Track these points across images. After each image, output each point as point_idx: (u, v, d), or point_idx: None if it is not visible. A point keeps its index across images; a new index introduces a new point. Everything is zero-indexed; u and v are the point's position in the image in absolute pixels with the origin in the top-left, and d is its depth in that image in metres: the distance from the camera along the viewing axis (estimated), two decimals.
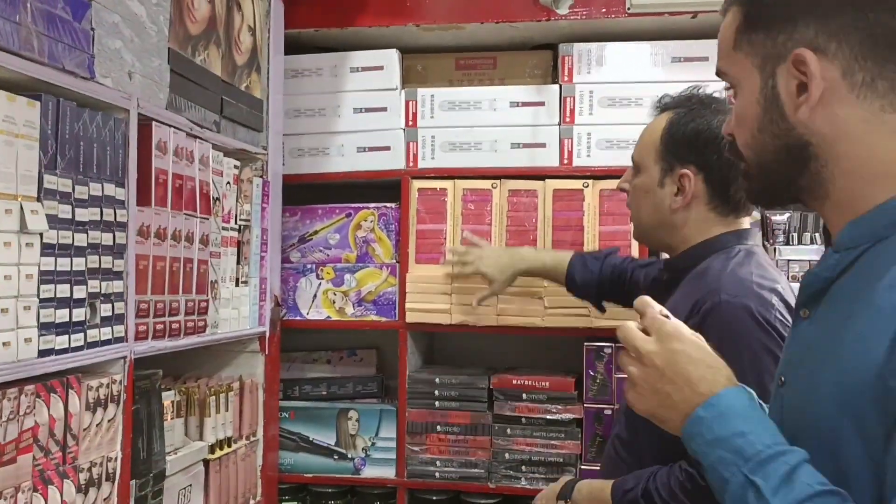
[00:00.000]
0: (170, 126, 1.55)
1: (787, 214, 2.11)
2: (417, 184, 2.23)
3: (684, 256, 1.53)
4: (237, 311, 1.88)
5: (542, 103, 2.20)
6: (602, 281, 1.89)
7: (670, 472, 1.35)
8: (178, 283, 1.59)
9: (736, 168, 1.37)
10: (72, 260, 1.26)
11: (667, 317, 0.92)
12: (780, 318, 1.33)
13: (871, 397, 0.75)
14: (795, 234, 2.09)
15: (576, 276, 1.90)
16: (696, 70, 2.13)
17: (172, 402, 1.68)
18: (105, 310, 1.35)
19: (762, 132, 0.88)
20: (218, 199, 1.78)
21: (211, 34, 1.73)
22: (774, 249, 2.05)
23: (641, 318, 0.92)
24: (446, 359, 2.53)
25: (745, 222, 1.52)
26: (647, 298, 0.93)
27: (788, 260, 2.07)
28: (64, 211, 1.24)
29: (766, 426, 0.83)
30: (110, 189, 1.36)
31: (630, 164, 1.63)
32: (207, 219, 1.71)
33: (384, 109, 2.25)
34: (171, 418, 1.67)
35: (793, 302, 1.30)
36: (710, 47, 2.12)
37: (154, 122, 1.50)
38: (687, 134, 1.49)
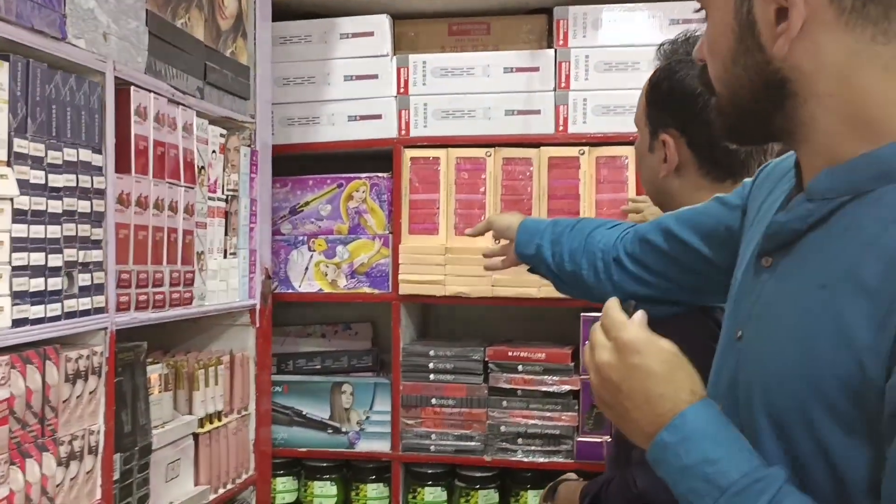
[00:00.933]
0: (149, 91, 1.51)
1: None
2: (410, 153, 2.18)
3: None
4: (226, 284, 1.85)
5: (536, 69, 2.14)
6: None
7: (622, 479, 1.26)
8: (162, 253, 1.55)
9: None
10: (46, 227, 1.22)
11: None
12: None
13: (846, 385, 0.68)
14: None
15: None
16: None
17: (160, 375, 1.65)
18: (84, 279, 1.31)
19: (735, 64, 0.78)
20: (203, 167, 1.74)
21: None
22: None
23: (601, 320, 0.83)
24: (441, 331, 2.50)
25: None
26: (613, 300, 0.84)
27: None
28: (36, 176, 1.20)
29: (738, 447, 0.74)
30: (86, 155, 1.31)
31: None
32: (192, 188, 1.67)
33: (375, 77, 2.20)
34: (159, 392, 1.64)
35: None
36: None
37: (132, 87, 1.45)
38: (664, 94, 1.34)
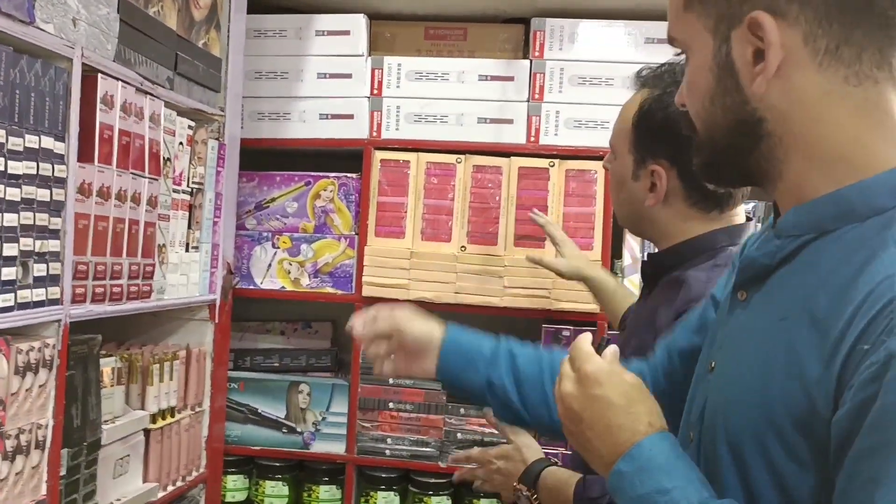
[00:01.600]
0: (118, 79, 1.47)
1: (752, 204, 2.09)
2: (380, 155, 2.17)
3: (669, 253, 1.36)
4: (186, 278, 1.82)
5: (511, 78, 2.14)
6: None
7: None
8: (122, 245, 1.52)
9: None
10: (3, 215, 1.19)
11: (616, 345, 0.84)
12: None
13: (796, 415, 0.70)
14: (760, 225, 2.06)
15: None
16: (669, 52, 2.07)
17: (113, 368, 1.61)
18: (39, 269, 1.28)
19: (713, 104, 0.80)
20: (169, 159, 1.70)
21: None
22: None
23: (569, 352, 0.85)
24: None
25: (739, 216, 1.36)
26: (586, 335, 0.86)
27: None
28: None
29: (690, 478, 0.76)
30: (48, 142, 1.28)
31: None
32: (157, 179, 1.64)
33: (349, 76, 2.18)
34: (111, 386, 1.60)
35: None
36: None
37: (100, 75, 1.42)
38: (658, 123, 1.30)
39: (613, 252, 2.13)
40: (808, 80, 0.74)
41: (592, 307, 2.07)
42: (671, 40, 0.86)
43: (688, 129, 0.87)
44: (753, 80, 0.76)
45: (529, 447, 1.45)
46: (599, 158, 2.09)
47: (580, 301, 2.07)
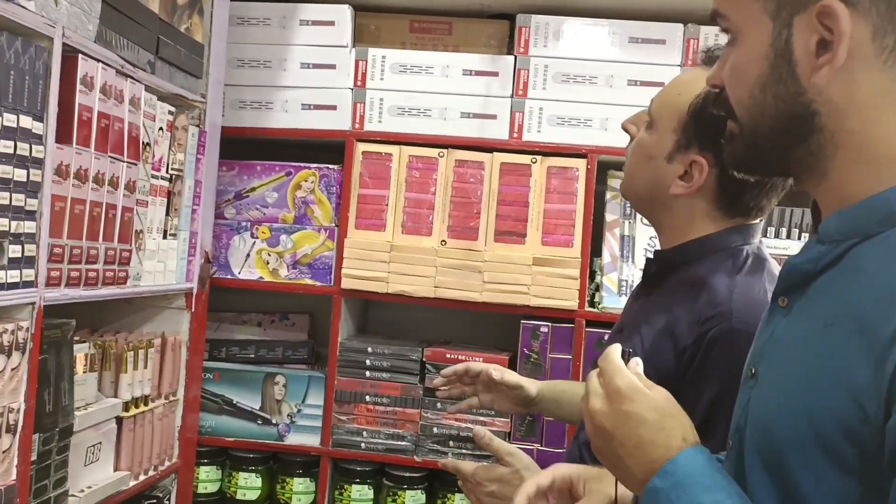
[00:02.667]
0: (98, 61, 1.45)
1: None
2: (362, 147, 2.16)
3: (679, 251, 1.29)
4: (163, 265, 1.80)
5: (495, 74, 2.14)
6: None
7: None
8: (99, 229, 1.50)
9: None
10: None
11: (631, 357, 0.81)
12: None
13: (844, 423, 0.67)
14: (772, 229, 2.07)
15: None
16: (652, 52, 2.11)
17: (86, 354, 1.59)
18: (14, 251, 1.26)
19: (764, 92, 0.75)
20: (149, 144, 1.68)
21: None
22: None
23: (599, 364, 0.82)
24: (381, 328, 2.48)
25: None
26: (615, 346, 0.83)
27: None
28: None
29: (729, 492, 0.74)
30: (27, 122, 1.26)
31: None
32: (135, 164, 1.62)
33: (333, 67, 2.17)
34: (84, 372, 1.58)
35: None
36: (668, 30, 2.11)
37: (80, 55, 1.39)
38: (716, 118, 1.27)
39: (593, 250, 2.13)
40: (870, 78, 0.72)
41: (571, 304, 2.08)
42: (715, 16, 0.80)
43: (717, 110, 0.84)
44: (814, 71, 0.72)
45: (528, 469, 1.34)
46: (582, 156, 2.11)
47: (559, 298, 2.08)
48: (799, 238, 2.07)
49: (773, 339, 0.80)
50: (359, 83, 2.17)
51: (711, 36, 2.09)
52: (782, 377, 0.75)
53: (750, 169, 0.86)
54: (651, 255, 1.36)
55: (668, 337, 1.20)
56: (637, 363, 0.83)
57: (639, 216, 2.12)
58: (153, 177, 1.72)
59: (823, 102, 0.73)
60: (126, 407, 1.70)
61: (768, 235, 2.07)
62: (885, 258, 0.70)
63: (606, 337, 1.42)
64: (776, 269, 1.23)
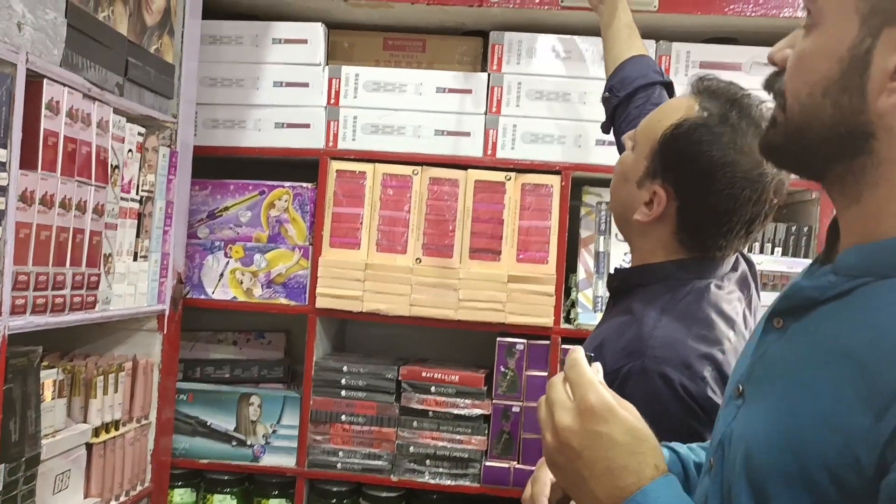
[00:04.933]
0: (64, 85, 1.44)
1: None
2: (336, 165, 2.15)
3: (633, 273, 1.32)
4: (133, 287, 1.78)
5: (469, 91, 2.14)
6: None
7: None
8: (66, 254, 1.48)
9: (719, 215, 1.18)
10: None
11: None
12: (711, 394, 1.12)
13: (831, 465, 0.65)
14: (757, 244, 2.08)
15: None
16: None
17: (55, 381, 1.57)
18: None
19: (825, 96, 0.70)
20: (118, 166, 1.67)
21: None
22: None
23: (566, 373, 0.77)
24: (357, 346, 2.47)
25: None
26: (578, 355, 0.77)
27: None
28: None
29: None
30: None
31: None
32: (104, 187, 1.60)
33: (306, 85, 2.16)
34: (53, 398, 1.56)
35: (731, 371, 1.09)
36: None
37: (45, 80, 1.38)
38: (683, 150, 1.20)
39: (568, 266, 2.14)
40: None
41: (546, 321, 2.07)
42: None
43: (766, 88, 0.78)
44: (884, 93, 0.67)
45: None
46: (556, 173, 2.11)
47: (534, 315, 2.08)
48: (772, 253, 2.08)
49: (766, 360, 0.77)
50: (332, 101, 2.16)
51: (683, 52, 2.11)
52: (772, 403, 0.73)
53: (781, 162, 0.82)
54: (612, 272, 1.38)
55: (599, 356, 1.20)
56: (598, 369, 0.79)
57: (614, 232, 2.13)
58: (122, 199, 1.70)
59: (883, 128, 0.68)
60: (96, 432, 1.68)
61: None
62: None
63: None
64: (718, 302, 1.21)
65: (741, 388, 0.79)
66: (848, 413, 0.65)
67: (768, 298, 2.11)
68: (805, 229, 2.08)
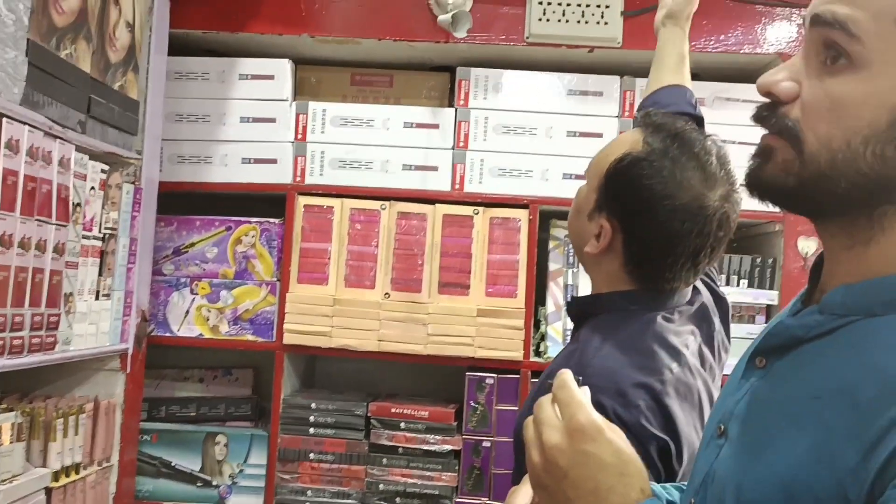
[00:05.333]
0: (24, 123, 1.42)
1: None
2: (304, 200, 2.14)
3: (587, 302, 1.33)
4: (95, 327, 1.75)
5: (436, 126, 2.15)
6: None
7: None
8: (25, 295, 1.45)
9: (661, 247, 1.21)
10: None
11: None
12: (644, 422, 1.12)
13: (821, 501, 0.64)
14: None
15: None
16: (590, 104, 2.14)
17: (13, 424, 1.53)
18: None
19: (866, 145, 0.66)
20: (79, 204, 1.64)
21: (80, 27, 1.60)
22: None
23: (555, 393, 0.76)
24: (326, 382, 2.44)
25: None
26: (567, 377, 0.77)
27: None
28: None
29: None
30: None
31: None
32: (65, 226, 1.58)
33: (273, 121, 2.16)
34: (11, 442, 1.52)
35: (670, 401, 1.14)
36: (605, 82, 2.15)
37: (5, 119, 1.36)
38: (625, 184, 1.21)
39: (537, 299, 2.14)
40: None
41: (516, 355, 2.07)
42: (838, 26, 0.67)
43: (756, 121, 0.74)
44: None
45: None
46: (524, 206, 2.12)
47: (504, 349, 2.07)
48: (737, 284, 2.10)
49: (750, 400, 0.76)
50: (299, 136, 2.16)
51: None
52: (758, 441, 0.73)
53: (782, 202, 0.76)
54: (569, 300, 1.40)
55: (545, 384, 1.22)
56: (586, 392, 0.78)
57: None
58: (84, 237, 1.67)
59: None
60: (56, 476, 1.64)
61: None
62: (890, 341, 0.66)
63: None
64: (661, 334, 1.21)
65: (723, 427, 0.78)
66: (837, 449, 0.64)
67: (736, 330, 2.11)
68: (770, 261, 2.11)
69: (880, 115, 0.65)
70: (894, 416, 0.61)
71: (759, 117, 0.74)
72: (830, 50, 0.68)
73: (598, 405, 1.07)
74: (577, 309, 1.36)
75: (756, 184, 0.75)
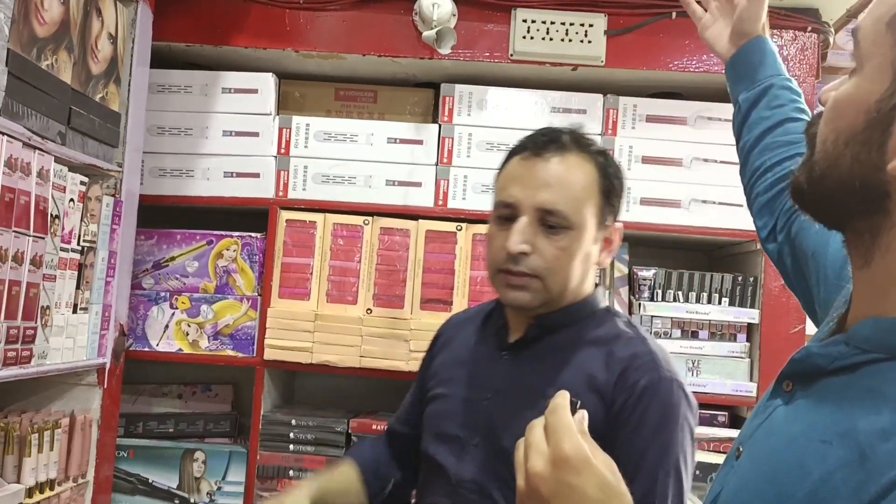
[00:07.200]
0: (3, 134, 1.40)
1: (653, 270, 2.14)
2: (286, 215, 2.13)
3: (574, 311, 1.35)
4: (73, 341, 1.72)
5: (420, 142, 2.15)
6: None
7: None
8: (0, 308, 1.42)
9: None
10: None
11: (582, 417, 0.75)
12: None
13: None
14: (660, 291, 2.11)
15: None
16: (574, 121, 2.14)
17: None
18: None
19: (847, 145, 0.67)
20: (58, 216, 1.62)
21: (62, 38, 1.59)
22: (640, 305, 2.06)
23: (545, 417, 0.74)
24: (307, 398, 2.42)
25: None
26: (562, 400, 0.75)
27: (652, 316, 2.08)
28: None
29: None
30: None
31: None
32: (42, 238, 1.56)
33: (256, 135, 2.15)
34: None
35: None
36: (588, 100, 2.16)
37: None
38: (619, 186, 1.35)
39: None
40: None
41: None
42: (854, 31, 0.71)
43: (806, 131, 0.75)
44: None
45: None
46: None
47: None
48: (719, 303, 2.11)
49: (767, 426, 0.76)
50: (283, 151, 2.15)
51: (630, 106, 2.15)
52: (762, 470, 0.72)
53: (804, 205, 0.76)
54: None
55: (593, 391, 1.25)
56: (584, 417, 0.76)
57: None
58: (62, 250, 1.65)
59: None
60: (30, 493, 1.61)
61: (689, 300, 2.11)
62: None
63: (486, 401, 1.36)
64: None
65: (741, 449, 0.78)
66: (835, 492, 0.63)
67: (717, 348, 2.10)
68: (751, 279, 2.12)
69: (859, 117, 0.67)
70: None
71: (805, 126, 0.76)
72: (853, 57, 0.71)
73: (681, 386, 1.25)
74: (560, 321, 1.34)
75: (791, 191, 0.76)
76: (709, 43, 1.34)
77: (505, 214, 1.33)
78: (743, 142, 1.25)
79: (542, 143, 1.35)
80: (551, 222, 1.28)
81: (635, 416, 1.22)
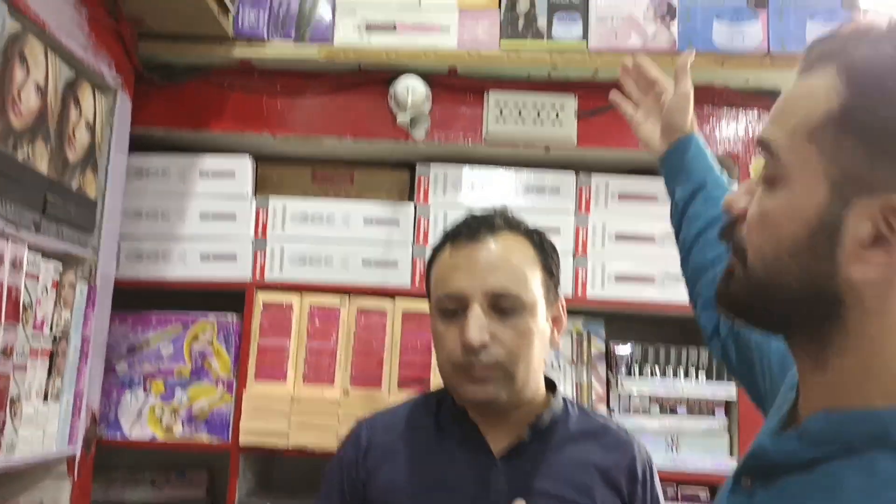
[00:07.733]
0: None
1: (629, 346, 2.14)
2: (263, 297, 2.13)
3: (556, 408, 1.31)
4: (42, 431, 1.69)
5: (396, 221, 2.17)
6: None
7: None
8: None
9: None
10: None
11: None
12: None
13: None
14: (637, 366, 2.11)
15: None
16: (547, 199, 2.18)
17: None
18: None
19: (792, 257, 0.66)
20: (30, 305, 1.61)
21: (38, 129, 1.60)
22: (618, 382, 2.06)
23: None
24: (284, 482, 2.37)
25: None
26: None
27: (630, 395, 2.08)
28: None
29: None
30: None
31: None
32: (14, 327, 1.54)
33: (233, 217, 2.16)
34: None
35: None
36: (561, 178, 2.19)
37: None
38: (557, 260, 1.34)
39: None
40: None
41: None
42: (764, 143, 0.70)
43: (723, 239, 0.75)
44: (857, 262, 0.64)
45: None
46: None
47: None
48: (696, 377, 2.11)
49: None
50: (260, 233, 2.16)
51: (602, 183, 2.19)
52: None
53: (744, 315, 0.75)
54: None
55: (608, 486, 1.25)
56: None
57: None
58: (34, 338, 1.64)
59: (854, 296, 0.65)
60: None
61: (666, 375, 2.11)
62: (870, 488, 0.63)
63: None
64: None
65: None
66: None
67: (696, 424, 2.09)
68: None
69: (800, 229, 0.66)
70: None
71: (722, 234, 0.76)
72: (768, 168, 0.71)
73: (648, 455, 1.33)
74: (548, 423, 1.29)
75: (721, 301, 0.76)
76: (643, 140, 1.38)
77: (451, 307, 1.25)
78: (683, 235, 1.26)
79: (474, 227, 1.29)
80: (504, 306, 1.21)
81: (648, 500, 1.30)
